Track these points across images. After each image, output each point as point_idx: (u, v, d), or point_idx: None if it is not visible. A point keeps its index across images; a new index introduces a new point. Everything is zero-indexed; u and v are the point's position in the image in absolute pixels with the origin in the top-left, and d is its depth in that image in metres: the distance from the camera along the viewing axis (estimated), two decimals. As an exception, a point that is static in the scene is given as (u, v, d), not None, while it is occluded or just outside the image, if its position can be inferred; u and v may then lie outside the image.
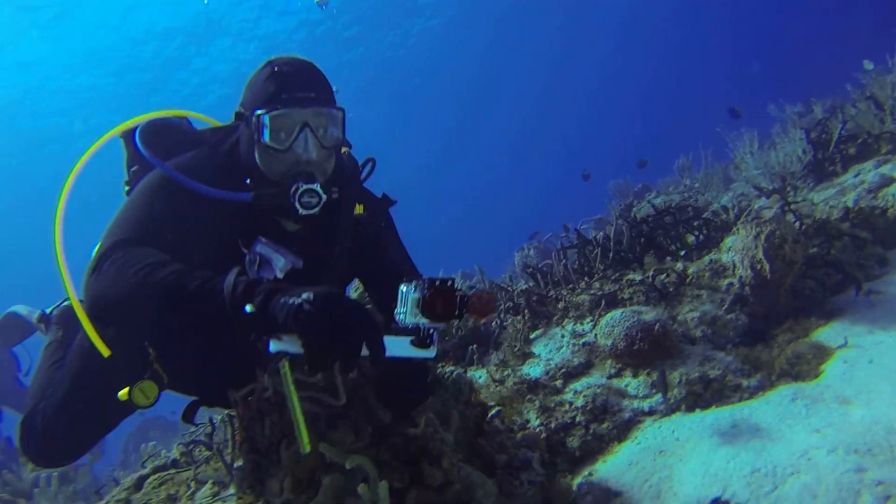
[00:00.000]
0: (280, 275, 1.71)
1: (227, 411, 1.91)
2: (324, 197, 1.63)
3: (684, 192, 6.99)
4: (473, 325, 3.13)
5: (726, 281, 3.20)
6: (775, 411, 2.24)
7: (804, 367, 2.50)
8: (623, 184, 9.22)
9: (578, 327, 3.02)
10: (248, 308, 1.26)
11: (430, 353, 1.40)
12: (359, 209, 1.88)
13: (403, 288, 1.38)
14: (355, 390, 1.68)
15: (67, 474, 4.25)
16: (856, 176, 4.49)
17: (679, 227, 3.90)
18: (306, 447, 1.32)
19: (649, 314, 2.88)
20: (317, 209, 1.63)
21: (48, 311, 2.67)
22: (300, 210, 1.62)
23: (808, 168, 5.07)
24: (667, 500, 2.00)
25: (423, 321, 1.36)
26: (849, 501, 1.68)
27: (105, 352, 1.74)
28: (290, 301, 1.22)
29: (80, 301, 1.71)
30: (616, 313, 2.90)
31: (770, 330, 2.85)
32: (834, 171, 4.90)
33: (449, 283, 1.35)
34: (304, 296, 1.21)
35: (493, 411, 2.16)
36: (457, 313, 1.35)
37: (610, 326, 2.85)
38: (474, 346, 2.97)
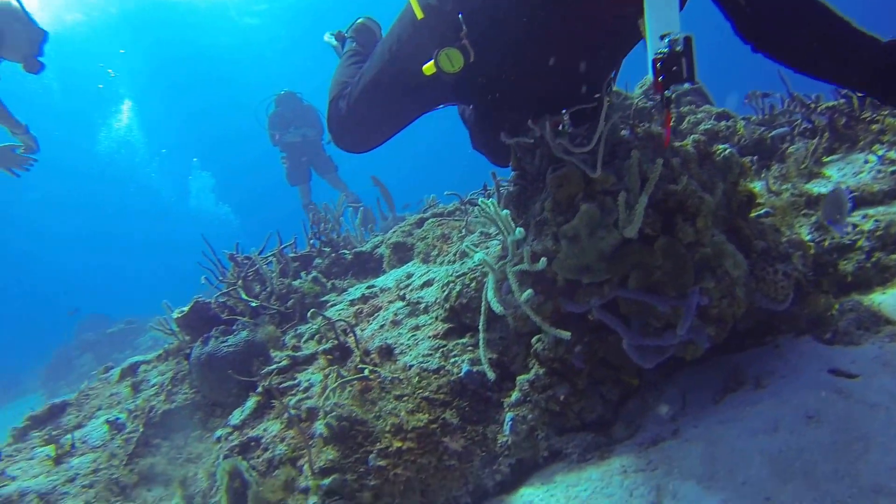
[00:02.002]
0: None
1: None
2: None
3: None
4: (759, 136, 2.81)
5: None
6: None
7: None
8: None
9: (892, 154, 2.52)
10: None
11: None
12: None
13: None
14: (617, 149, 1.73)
15: (364, 211, 5.19)
16: None
17: None
18: None
19: None
20: None
21: (344, 30, 2.74)
22: None
23: None
24: (956, 343, 1.75)
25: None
26: None
27: (419, 14, 1.72)
28: None
29: None
30: (953, 142, 2.35)
31: None
32: None
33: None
34: None
35: (762, 210, 2.03)
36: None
37: (939, 155, 2.34)
38: (754, 157, 2.70)
